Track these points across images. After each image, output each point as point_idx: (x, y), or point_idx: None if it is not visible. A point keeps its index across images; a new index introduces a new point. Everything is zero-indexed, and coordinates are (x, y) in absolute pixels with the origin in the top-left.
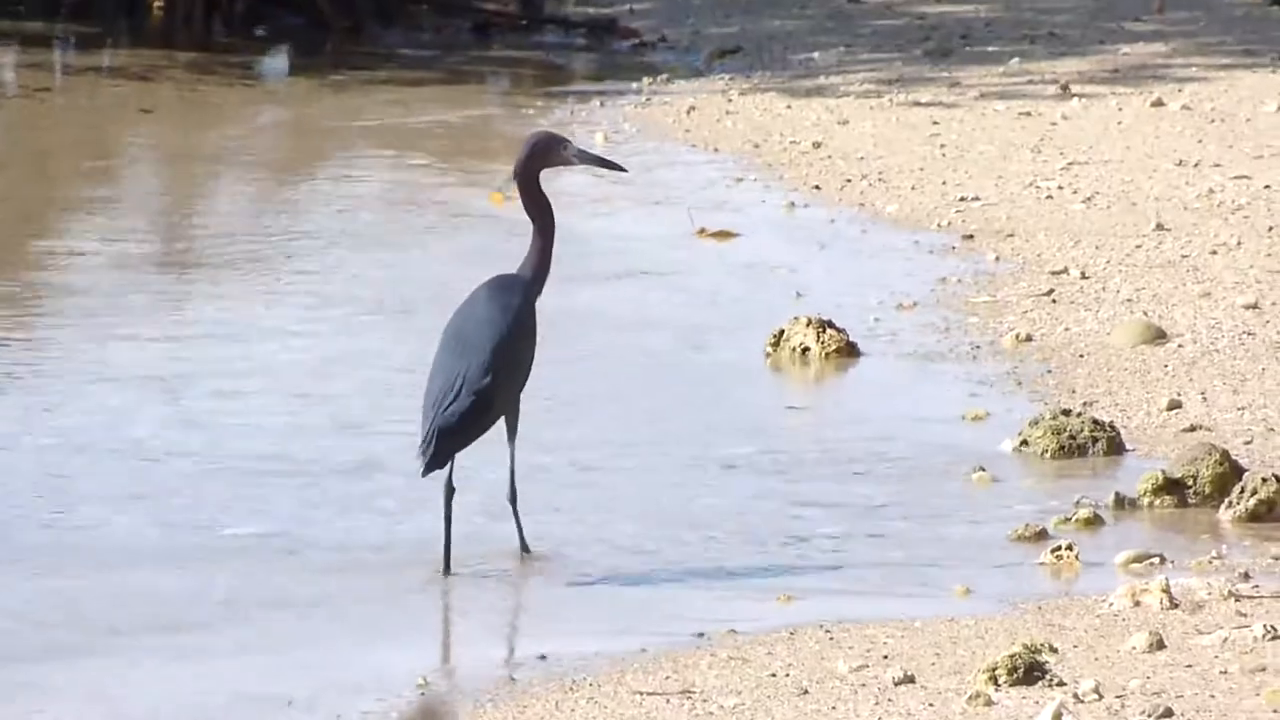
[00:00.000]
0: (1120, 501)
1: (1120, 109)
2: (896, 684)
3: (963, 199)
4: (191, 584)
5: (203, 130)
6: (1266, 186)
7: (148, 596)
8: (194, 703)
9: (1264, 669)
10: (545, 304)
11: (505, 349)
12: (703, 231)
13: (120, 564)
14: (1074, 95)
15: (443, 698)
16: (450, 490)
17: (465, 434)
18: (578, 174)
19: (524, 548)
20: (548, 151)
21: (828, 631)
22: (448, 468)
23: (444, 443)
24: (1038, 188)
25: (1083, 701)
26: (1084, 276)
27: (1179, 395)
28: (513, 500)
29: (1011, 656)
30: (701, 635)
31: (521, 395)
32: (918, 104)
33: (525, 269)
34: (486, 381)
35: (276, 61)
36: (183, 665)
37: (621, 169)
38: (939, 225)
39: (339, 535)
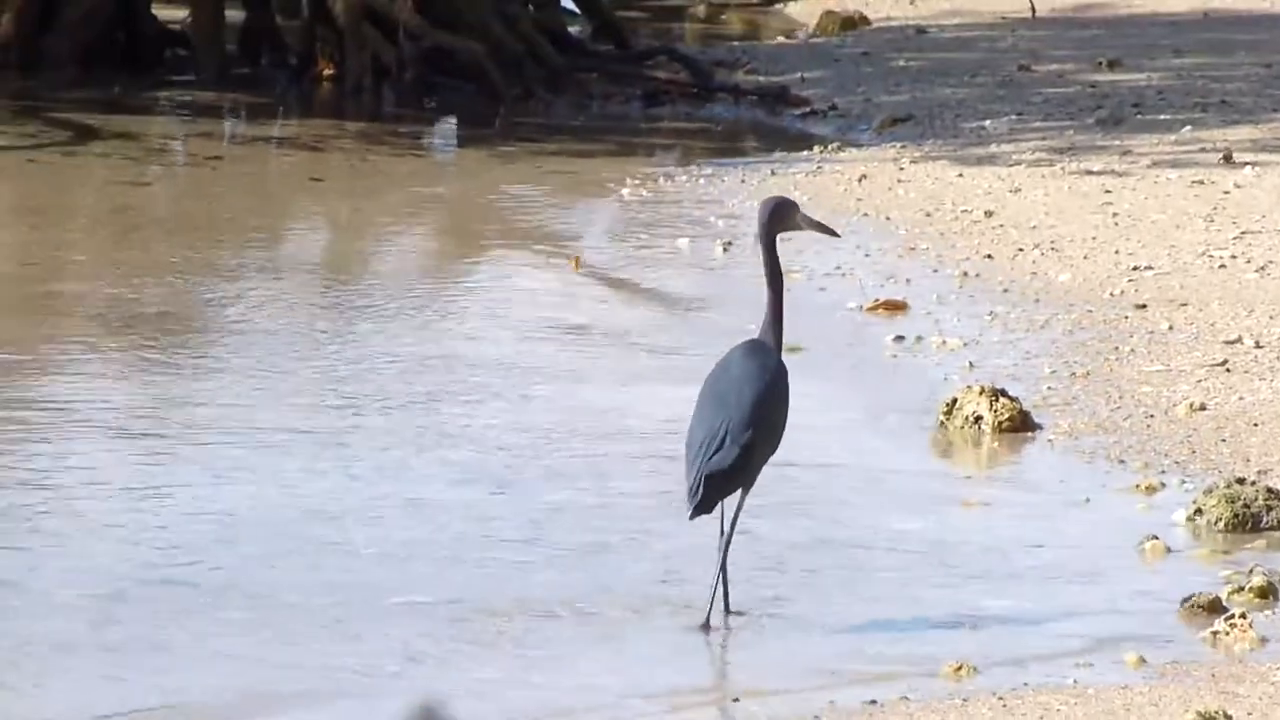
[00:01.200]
0: None
1: None
2: None
3: (1135, 268)
4: None
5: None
6: None
7: None
8: None
9: None
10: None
11: (764, 404)
12: (875, 304)
13: None
14: (1245, 163)
15: None
16: (725, 540)
17: (730, 481)
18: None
19: (726, 607)
20: (785, 216)
21: (1001, 699)
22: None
23: (711, 488)
24: (1210, 256)
25: None
26: (1258, 346)
27: None
28: (723, 552)
29: None
30: (874, 702)
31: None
32: (1089, 172)
33: (767, 333)
34: (748, 435)
35: (445, 136)
36: None
37: (836, 234)
38: (1111, 294)
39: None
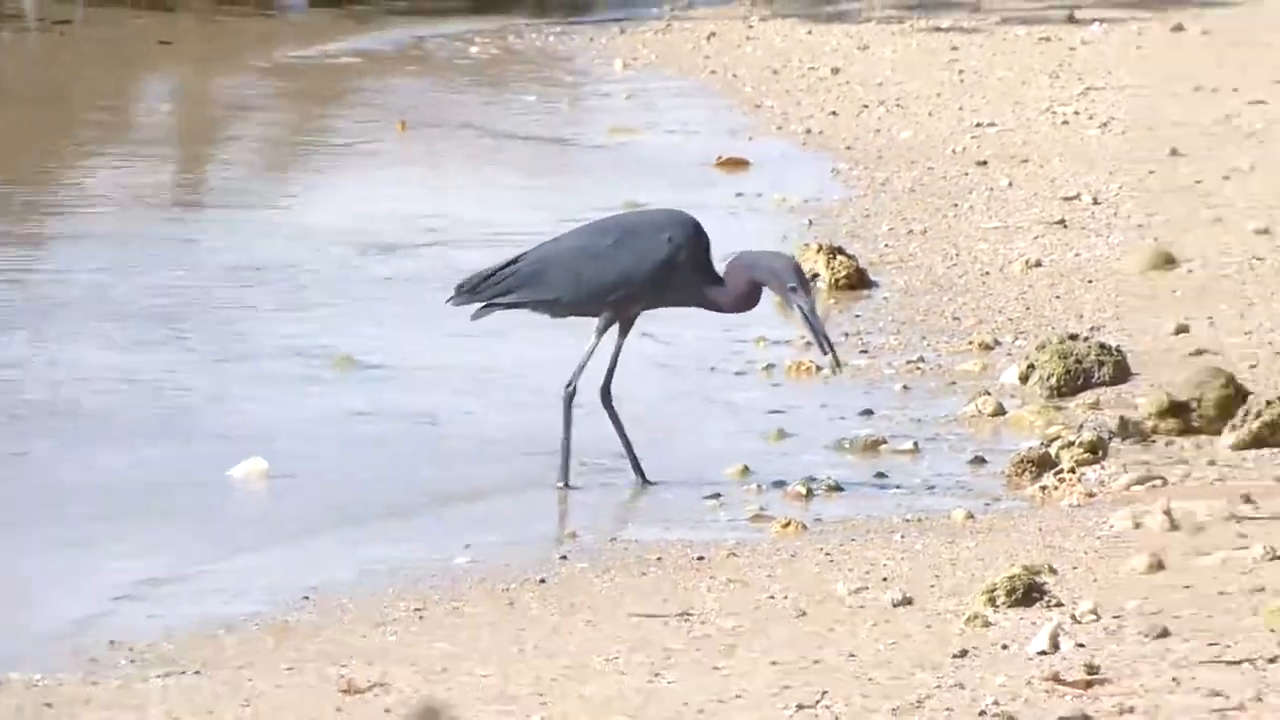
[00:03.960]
0: (1125, 425)
1: (1140, 34)
2: (895, 606)
3: (978, 125)
4: None
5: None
6: None
7: None
8: None
9: (1262, 589)
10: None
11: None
12: (719, 160)
13: None
14: (1092, 20)
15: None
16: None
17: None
18: (615, 103)
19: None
20: (778, 283)
21: (828, 555)
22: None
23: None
24: (1054, 113)
25: (1080, 622)
26: (1096, 202)
27: (1186, 320)
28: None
29: (1010, 578)
30: (701, 559)
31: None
32: (938, 29)
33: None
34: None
35: None
36: None
37: (829, 351)
38: (954, 151)
39: None
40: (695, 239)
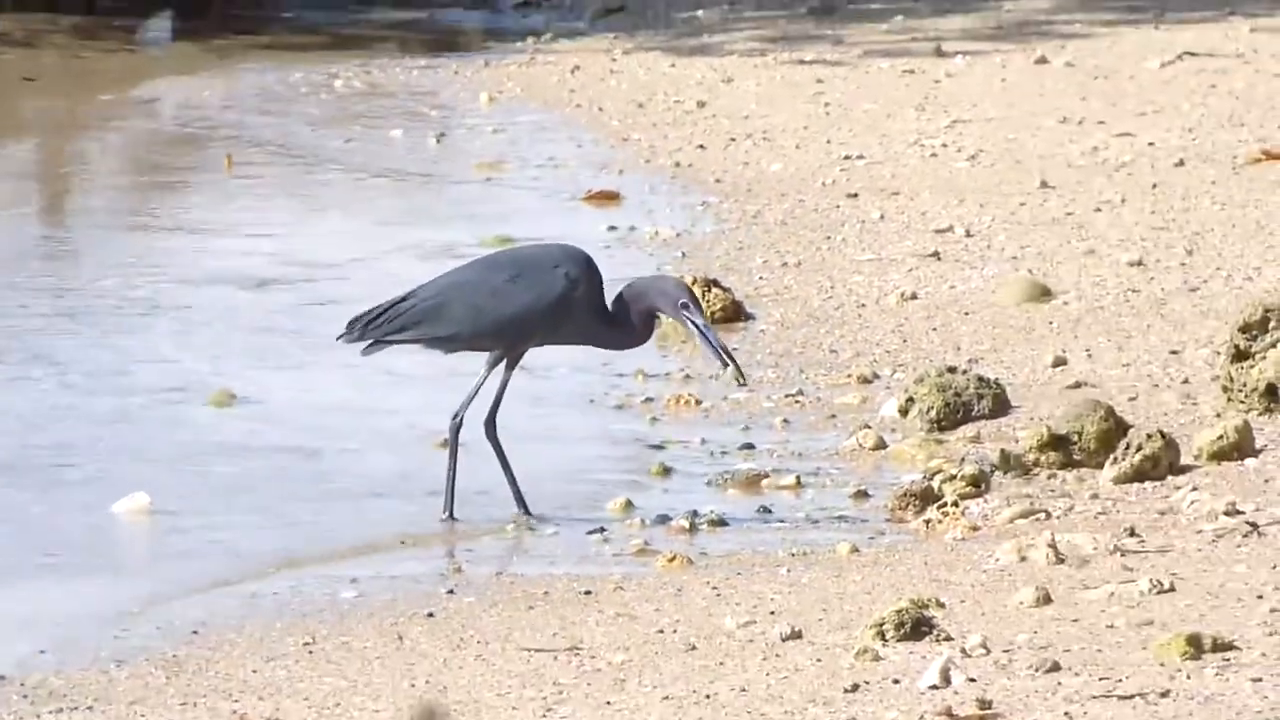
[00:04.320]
0: (1006, 458)
1: (1004, 66)
2: (784, 640)
3: (847, 157)
4: None
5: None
6: (1150, 144)
7: None
8: None
9: (1150, 623)
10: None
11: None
12: (589, 194)
13: None
14: (956, 53)
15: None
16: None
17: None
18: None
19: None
20: (669, 303)
21: (715, 589)
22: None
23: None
24: (922, 145)
25: (970, 656)
26: (969, 234)
27: (1064, 352)
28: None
29: (899, 612)
30: (589, 593)
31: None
32: (802, 62)
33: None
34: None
35: (159, 31)
36: None
37: (730, 363)
38: (823, 183)
39: None
40: (589, 273)
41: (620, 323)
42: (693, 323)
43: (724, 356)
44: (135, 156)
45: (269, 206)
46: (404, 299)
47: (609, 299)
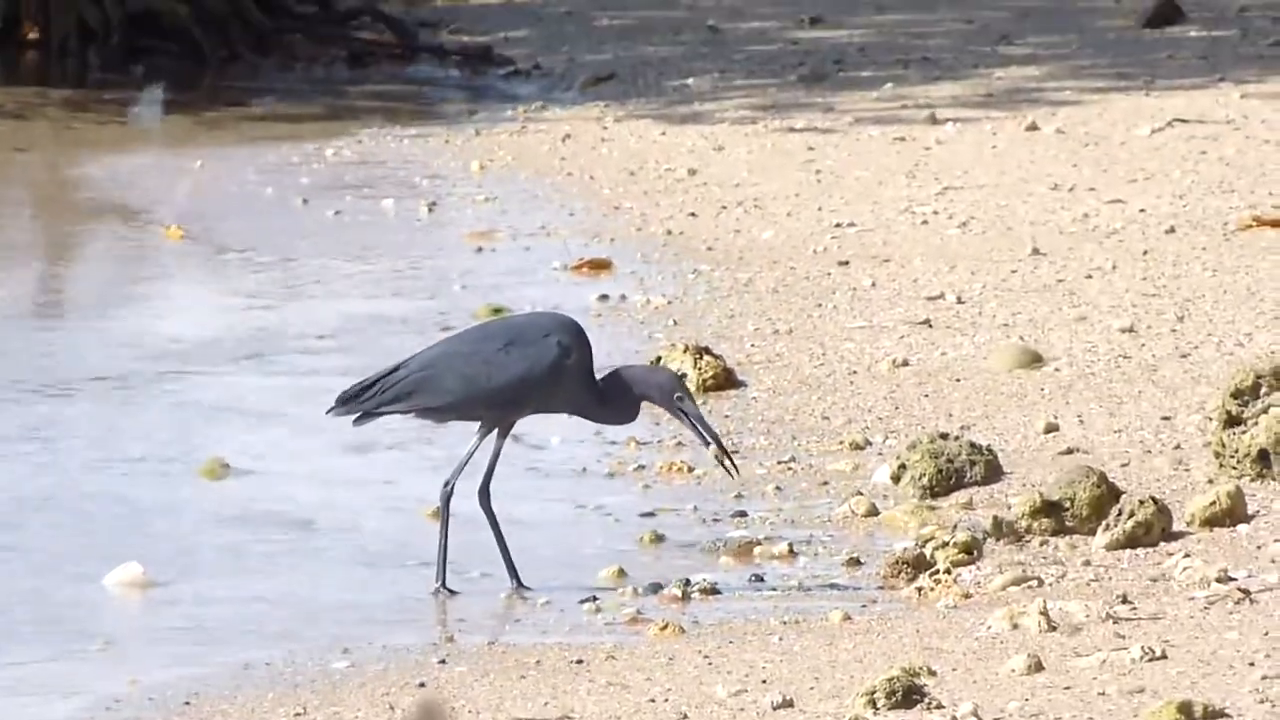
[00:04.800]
0: (998, 525)
1: (994, 133)
2: (775, 708)
3: (838, 225)
4: None
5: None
6: (1141, 210)
7: None
8: None
9: (1142, 690)
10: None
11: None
12: (579, 263)
13: None
14: (947, 120)
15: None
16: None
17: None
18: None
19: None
20: (664, 397)
21: (706, 657)
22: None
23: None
24: (913, 213)
25: None
26: (960, 301)
27: (1056, 418)
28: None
29: (890, 680)
30: (580, 662)
31: None
32: (792, 130)
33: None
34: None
35: (150, 104)
36: None
37: (725, 457)
38: (815, 251)
39: None
40: (580, 342)
41: (609, 400)
42: (688, 416)
43: (720, 451)
44: (124, 228)
45: (259, 278)
46: (395, 370)
47: (599, 373)
